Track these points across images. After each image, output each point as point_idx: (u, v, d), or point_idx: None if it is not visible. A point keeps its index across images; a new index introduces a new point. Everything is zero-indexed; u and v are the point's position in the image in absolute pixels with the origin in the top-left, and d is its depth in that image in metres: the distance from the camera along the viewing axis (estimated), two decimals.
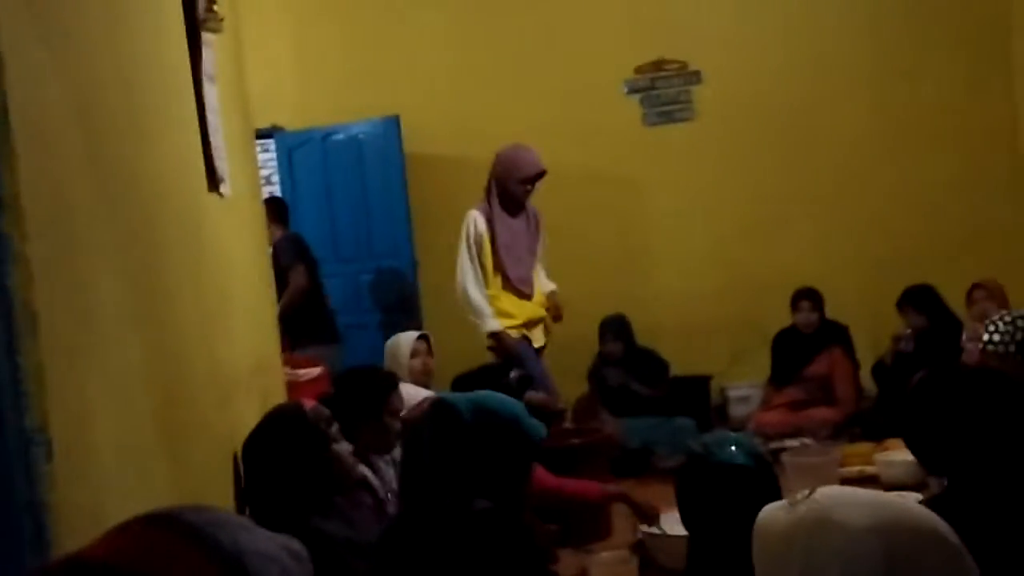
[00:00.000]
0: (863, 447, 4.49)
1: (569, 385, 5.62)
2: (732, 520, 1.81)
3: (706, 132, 6.32)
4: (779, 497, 1.86)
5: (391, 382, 3.12)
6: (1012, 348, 3.85)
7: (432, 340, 4.27)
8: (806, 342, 5.48)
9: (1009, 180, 6.20)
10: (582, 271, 6.31)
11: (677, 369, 5.86)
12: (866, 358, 5.60)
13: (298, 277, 5.34)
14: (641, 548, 3.48)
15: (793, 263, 5.96)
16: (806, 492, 1.24)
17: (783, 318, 5.61)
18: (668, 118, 6.40)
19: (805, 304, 5.47)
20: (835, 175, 6.25)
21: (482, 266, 4.62)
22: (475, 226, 4.63)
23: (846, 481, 4.05)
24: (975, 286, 4.86)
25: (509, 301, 4.68)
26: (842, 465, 4.18)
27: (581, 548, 3.55)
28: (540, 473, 3.34)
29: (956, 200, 6.12)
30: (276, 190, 6.50)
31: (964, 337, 4.78)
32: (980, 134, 6.21)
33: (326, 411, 2.56)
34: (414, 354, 4.07)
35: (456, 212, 6.43)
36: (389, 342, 4.23)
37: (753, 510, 1.81)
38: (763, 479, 1.85)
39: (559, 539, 3.63)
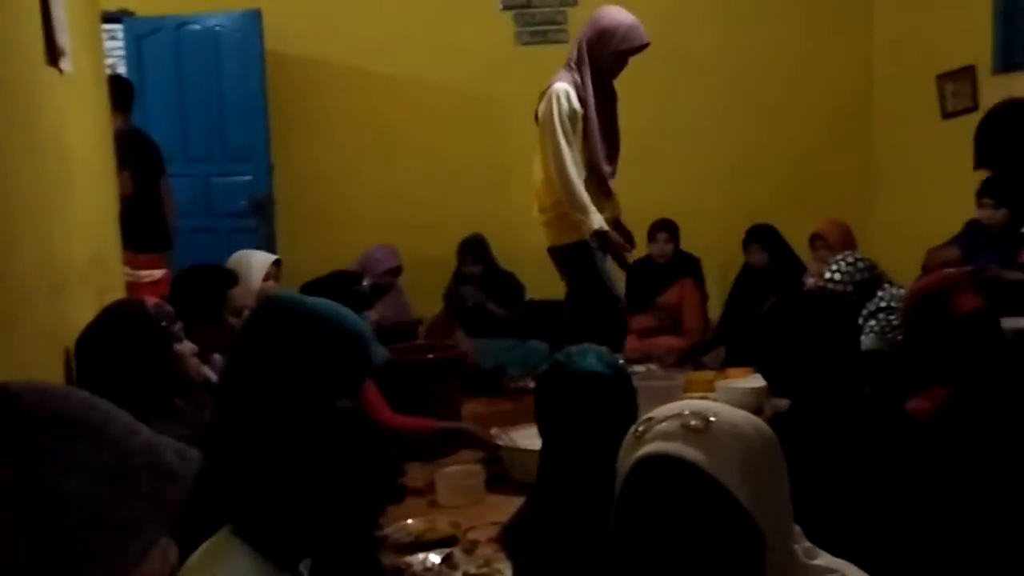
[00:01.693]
0: (706, 375, 4.64)
1: (425, 304, 5.58)
2: (585, 427, 1.81)
3: None
4: (634, 408, 1.88)
5: (230, 279, 2.99)
6: (850, 288, 4.08)
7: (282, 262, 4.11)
8: (660, 272, 5.59)
9: (862, 126, 6.46)
10: (443, 189, 6.24)
11: (534, 293, 5.89)
12: (715, 291, 5.78)
13: (123, 184, 4.91)
14: (493, 463, 3.50)
15: (654, 195, 6.03)
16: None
17: (640, 247, 5.68)
18: (542, 38, 6.31)
19: (661, 235, 5.56)
20: (702, 113, 6.35)
21: None
22: (568, 101, 3.94)
23: None
24: (815, 236, 5.04)
25: (593, 198, 4.00)
26: (685, 391, 4.30)
27: (430, 462, 3.54)
28: (377, 408, 3.31)
29: (810, 144, 6.34)
30: None
31: (806, 276, 5.01)
32: (835, 82, 6.43)
33: (169, 308, 2.42)
34: (267, 278, 3.90)
35: (317, 116, 6.25)
36: (238, 257, 3.97)
37: (607, 417, 1.82)
38: (618, 388, 1.85)
39: (407, 453, 3.60)
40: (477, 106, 6.29)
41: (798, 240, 5.40)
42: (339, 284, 3.66)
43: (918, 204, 5.80)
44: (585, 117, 3.95)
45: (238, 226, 5.85)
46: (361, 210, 6.16)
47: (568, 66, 4.02)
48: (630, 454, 1.20)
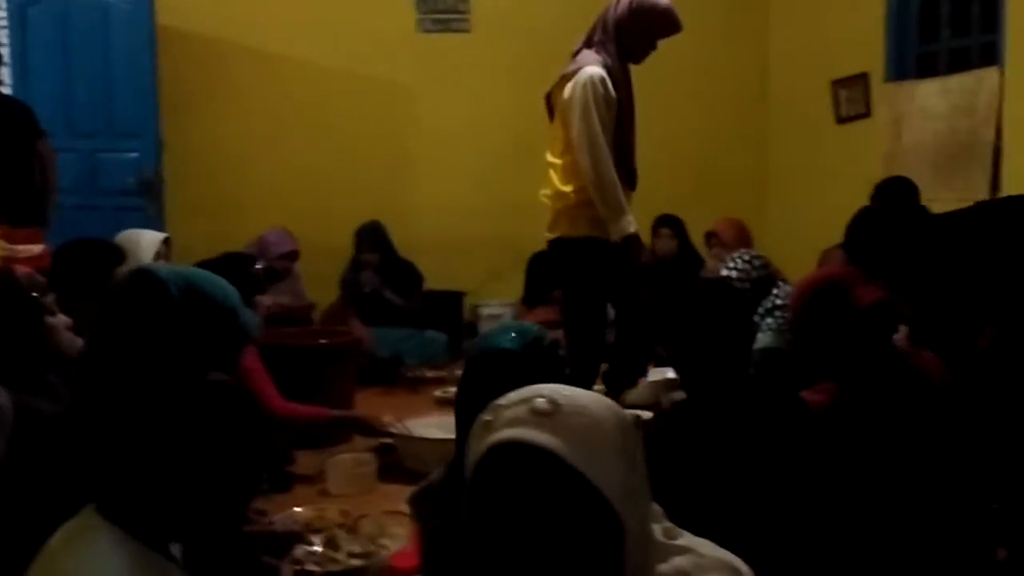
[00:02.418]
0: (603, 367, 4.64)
1: (320, 290, 5.45)
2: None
3: (482, 46, 6.22)
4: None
5: (117, 256, 2.86)
6: (747, 285, 4.15)
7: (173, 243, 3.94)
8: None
9: (757, 128, 6.59)
10: (342, 175, 6.11)
11: (433, 283, 5.82)
12: None
13: None
14: (385, 451, 3.43)
15: None
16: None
17: (539, 240, 5.67)
18: (444, 26, 6.24)
19: None
20: None
21: None
22: (604, 87, 3.56)
23: None
24: (711, 234, 5.12)
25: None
26: None
27: (320, 449, 3.45)
28: (268, 395, 3.23)
29: (707, 145, 6.44)
30: (4, 52, 5.75)
31: (703, 272, 5.09)
32: (733, 84, 6.54)
33: (42, 280, 2.27)
34: (157, 257, 3.75)
35: (212, 96, 6.04)
36: (127, 234, 3.84)
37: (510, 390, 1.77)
38: (526, 365, 1.79)
39: (297, 439, 3.50)
40: (378, 93, 6.18)
41: (694, 239, 5.48)
42: (232, 266, 3.52)
43: (811, 206, 5.94)
44: (619, 104, 3.63)
45: (124, 205, 5.59)
46: (256, 193, 5.97)
47: (593, 46, 3.68)
48: (479, 443, 1.15)
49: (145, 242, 3.77)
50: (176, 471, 1.40)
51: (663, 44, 6.27)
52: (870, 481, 2.05)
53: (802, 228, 5.73)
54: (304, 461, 3.46)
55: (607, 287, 3.75)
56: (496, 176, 6.23)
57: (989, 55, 4.84)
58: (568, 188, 3.68)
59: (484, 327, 5.97)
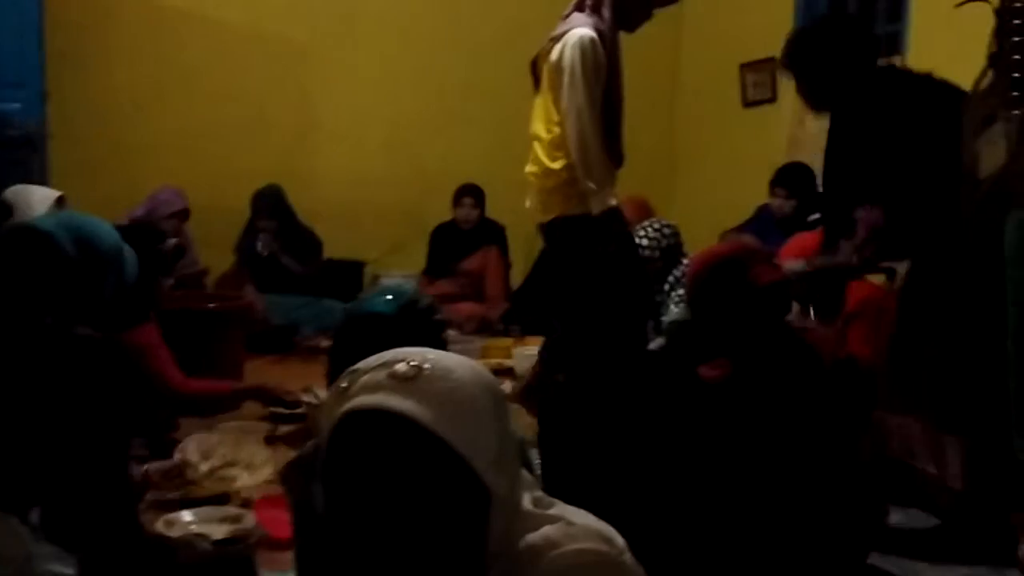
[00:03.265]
0: (503, 341, 4.62)
1: (216, 256, 5.25)
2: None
3: (396, 12, 6.09)
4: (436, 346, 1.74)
5: (4, 212, 2.68)
6: (656, 253, 4.17)
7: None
8: (464, 238, 5.52)
9: (666, 108, 6.62)
10: (246, 137, 5.88)
11: (334, 251, 5.67)
12: (518, 260, 5.76)
13: None
14: (276, 420, 3.31)
15: (462, 161, 5.95)
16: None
17: (444, 213, 5.59)
18: None
19: (467, 200, 5.49)
20: (514, 82, 6.24)
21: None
22: (595, 51, 3.26)
23: None
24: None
25: (607, 168, 3.39)
26: (482, 357, 4.24)
27: (209, 417, 3.32)
28: (169, 371, 3.09)
29: None
30: None
31: None
32: (643, 64, 6.49)
33: None
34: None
35: (103, 47, 5.73)
36: (16, 190, 3.58)
37: None
38: (399, 328, 1.71)
39: (182, 406, 3.36)
40: (283, 55, 5.96)
41: None
42: (137, 238, 3.33)
43: (716, 187, 5.99)
44: (609, 71, 3.33)
45: (5, 159, 5.27)
46: (149, 150, 5.70)
47: (585, 9, 3.40)
48: (333, 411, 1.06)
49: (36, 200, 3.50)
50: (34, 428, 1.29)
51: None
52: (756, 456, 2.04)
53: (707, 208, 5.77)
54: (189, 428, 3.32)
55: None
56: (403, 146, 6.12)
57: (893, 44, 4.92)
58: (558, 165, 3.37)
59: None
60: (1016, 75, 2.11)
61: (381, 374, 1.05)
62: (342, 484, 1.04)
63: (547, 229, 3.48)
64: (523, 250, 5.83)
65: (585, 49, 3.23)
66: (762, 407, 2.13)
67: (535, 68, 3.55)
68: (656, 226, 4.23)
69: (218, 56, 5.84)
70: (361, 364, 1.10)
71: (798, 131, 5.45)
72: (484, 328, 5.14)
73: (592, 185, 3.28)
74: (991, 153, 2.21)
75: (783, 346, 2.24)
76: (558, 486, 1.90)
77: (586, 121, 3.25)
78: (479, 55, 6.18)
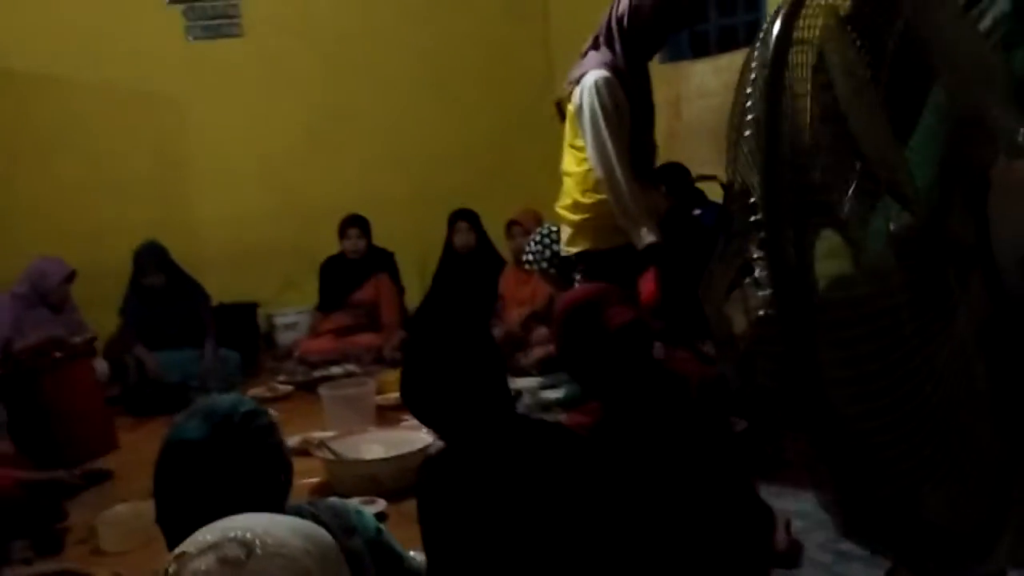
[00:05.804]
0: (397, 374, 4.55)
1: (97, 316, 5.10)
2: (188, 500, 1.60)
3: (255, 50, 5.98)
4: (240, 471, 1.64)
5: None
6: (544, 264, 4.18)
7: None
8: (353, 268, 5.46)
9: (545, 116, 6.61)
10: (115, 195, 5.71)
11: (226, 295, 5.57)
12: (413, 283, 5.73)
13: None
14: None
15: (342, 189, 5.90)
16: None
17: (332, 244, 5.52)
18: (215, 32, 5.94)
19: (352, 231, 5.43)
20: (384, 103, 6.25)
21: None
22: (610, 90, 3.21)
23: (382, 408, 4.09)
24: (512, 223, 5.12)
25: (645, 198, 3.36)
26: (379, 392, 4.21)
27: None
28: None
29: (494, 133, 6.42)
30: None
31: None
32: (519, 71, 6.55)
33: None
34: None
35: None
36: None
37: (209, 489, 1.60)
38: (214, 453, 1.61)
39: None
40: (147, 105, 5.79)
41: (491, 228, 5.45)
42: None
43: None
44: (632, 104, 3.31)
45: None
46: (18, 218, 5.50)
47: (599, 47, 3.37)
48: None
49: None
50: None
51: (448, 37, 6.28)
52: (638, 500, 2.05)
53: None
54: (77, 518, 3.22)
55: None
56: (280, 182, 6.04)
57: (752, 33, 5.03)
58: (587, 200, 3.39)
59: (281, 337, 5.78)
60: None
61: (210, 559, 1.02)
62: None
63: (578, 260, 3.50)
64: (417, 272, 5.82)
65: (600, 92, 3.20)
66: (635, 445, 2.14)
67: (560, 107, 3.53)
68: (538, 237, 4.27)
69: (81, 116, 5.66)
70: (188, 545, 1.05)
71: (675, 124, 5.53)
72: (380, 360, 5.09)
73: (627, 223, 3.27)
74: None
75: (647, 382, 2.26)
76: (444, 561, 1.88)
77: (615, 163, 3.22)
78: (342, 87, 6.14)
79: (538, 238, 4.27)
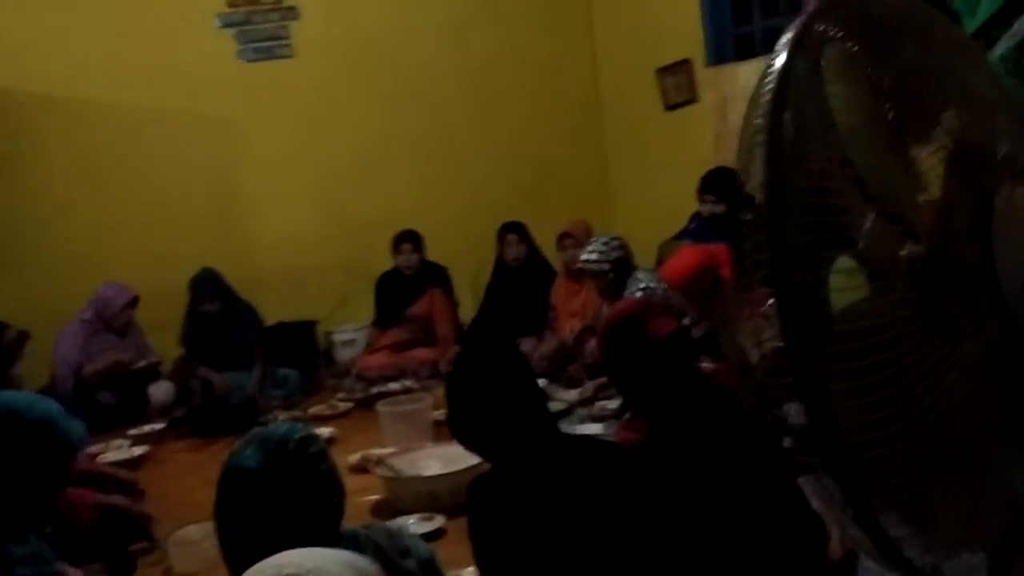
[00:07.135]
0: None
1: (159, 340, 5.25)
2: (246, 525, 1.66)
3: (305, 71, 6.06)
4: (294, 498, 1.69)
5: None
6: (606, 266, 4.21)
7: None
8: (408, 283, 5.52)
9: (593, 122, 6.65)
10: (172, 220, 5.84)
11: (283, 315, 5.67)
12: (466, 297, 5.78)
13: None
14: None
15: (395, 206, 5.95)
16: None
17: (386, 260, 5.60)
18: (266, 54, 6.04)
19: (406, 246, 5.49)
20: (433, 120, 6.30)
21: None
22: None
23: (439, 423, 4.12)
24: (564, 235, 5.14)
25: None
26: (436, 407, 4.23)
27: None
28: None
29: (545, 144, 6.45)
30: None
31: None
32: (564, 81, 6.57)
33: None
34: None
35: (16, 153, 5.53)
36: None
37: (266, 515, 1.65)
38: (268, 481, 1.66)
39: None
40: (200, 129, 5.89)
41: (541, 240, 5.48)
42: None
43: (651, 195, 6.03)
44: None
45: None
46: (77, 247, 5.64)
47: None
48: None
49: None
50: None
51: (492, 44, 6.30)
52: (689, 515, 2.04)
53: (646, 217, 5.81)
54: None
55: None
56: (332, 200, 6.12)
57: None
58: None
59: (340, 354, 5.86)
60: None
61: None
62: None
63: None
64: (470, 286, 5.86)
65: None
66: (687, 461, 2.14)
67: None
68: (603, 240, 4.32)
69: (136, 142, 5.76)
70: None
71: (721, 127, 5.49)
72: (437, 374, 5.14)
73: None
74: None
75: (695, 396, 2.25)
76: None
77: None
78: (392, 104, 6.20)
79: (605, 239, 4.31)
